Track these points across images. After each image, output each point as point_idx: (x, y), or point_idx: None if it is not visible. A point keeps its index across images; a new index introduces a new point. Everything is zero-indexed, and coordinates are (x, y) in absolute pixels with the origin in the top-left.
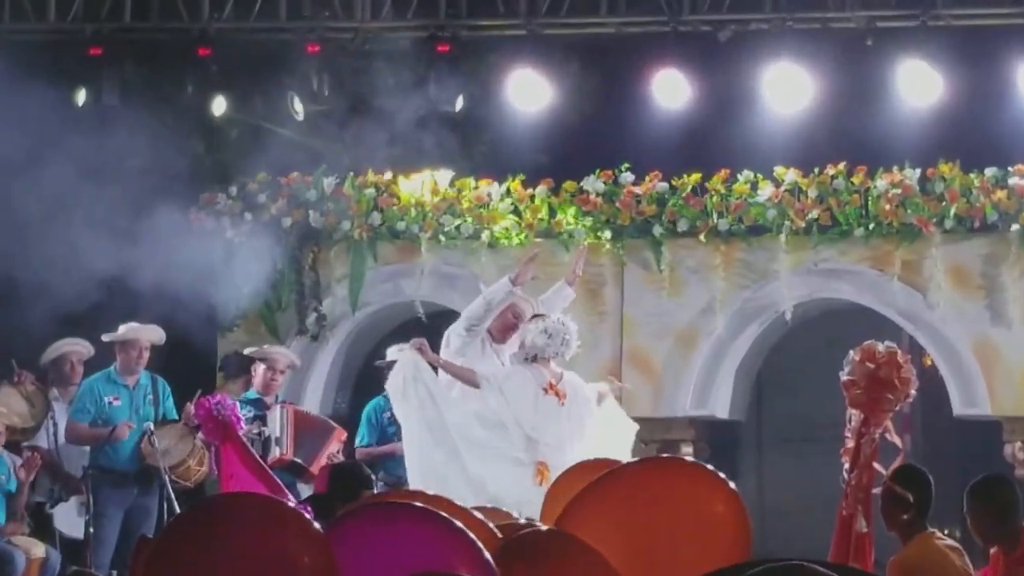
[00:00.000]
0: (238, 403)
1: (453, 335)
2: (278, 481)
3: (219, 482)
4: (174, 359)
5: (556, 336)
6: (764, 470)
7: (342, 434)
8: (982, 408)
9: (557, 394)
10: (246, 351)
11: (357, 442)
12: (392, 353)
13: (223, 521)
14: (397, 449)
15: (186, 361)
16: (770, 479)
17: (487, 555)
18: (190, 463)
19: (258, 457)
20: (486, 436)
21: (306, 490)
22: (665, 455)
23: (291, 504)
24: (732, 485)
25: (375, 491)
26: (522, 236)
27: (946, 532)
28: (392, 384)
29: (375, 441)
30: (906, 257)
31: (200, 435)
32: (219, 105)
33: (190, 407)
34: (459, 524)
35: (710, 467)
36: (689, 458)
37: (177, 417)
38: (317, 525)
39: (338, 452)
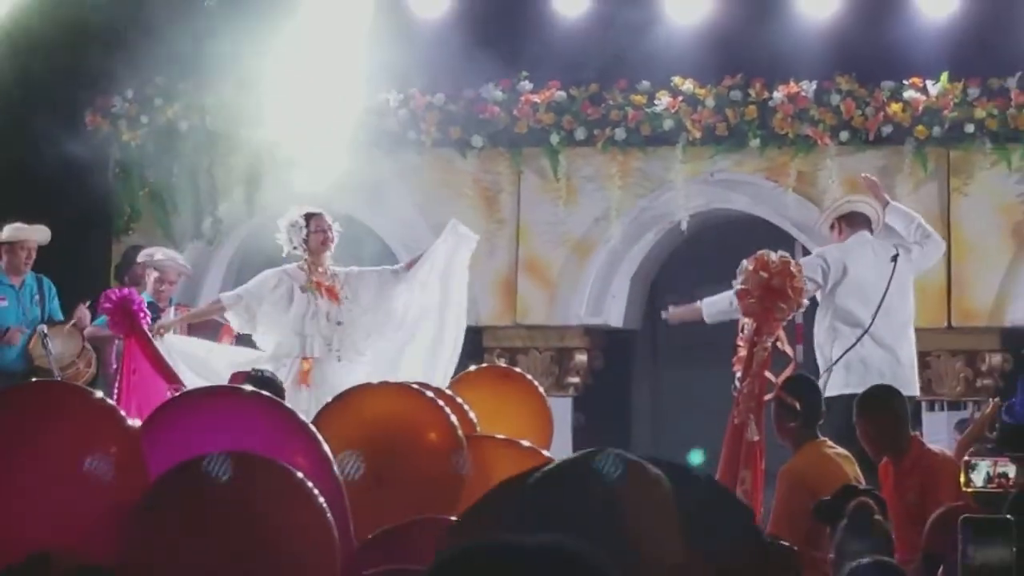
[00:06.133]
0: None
1: None
2: (180, 378)
3: (121, 377)
4: (66, 261)
5: None
6: (659, 379)
7: (231, 329)
8: None
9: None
10: (139, 257)
11: None
12: None
13: (24, 408)
14: None
15: (80, 263)
16: (664, 388)
17: (325, 448)
18: (79, 364)
19: (161, 354)
20: None
21: None
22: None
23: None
24: None
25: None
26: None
27: None
28: None
29: None
30: (801, 168)
31: (87, 335)
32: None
33: (82, 308)
34: (299, 415)
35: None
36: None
37: (63, 318)
38: (124, 414)
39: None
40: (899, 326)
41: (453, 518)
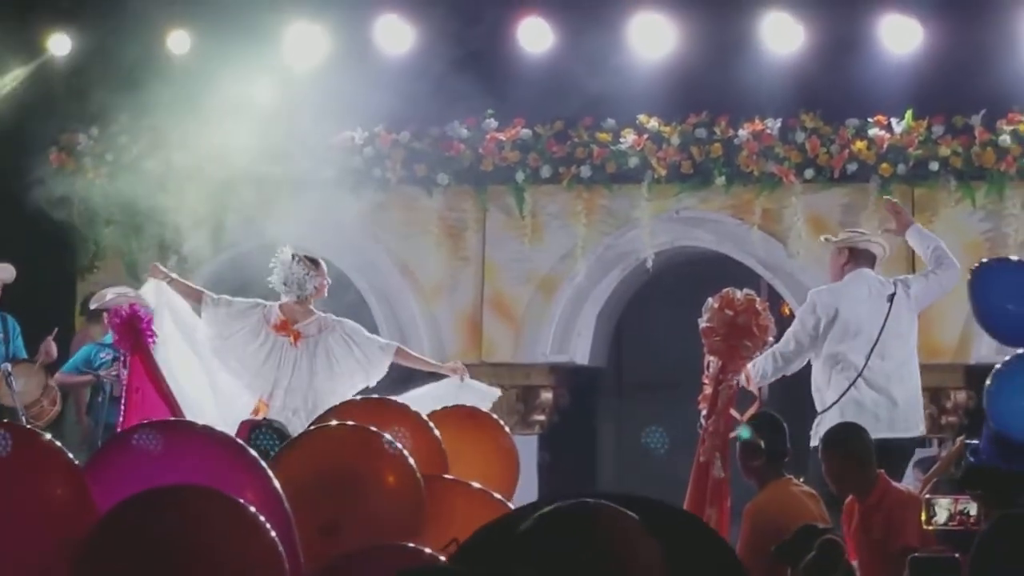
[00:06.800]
0: (102, 345)
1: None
2: (178, 404)
3: (126, 395)
4: (31, 299)
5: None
6: (623, 416)
7: None
8: None
9: (292, 334)
10: (91, 306)
11: None
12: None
13: None
14: None
15: (43, 301)
16: (629, 425)
17: (275, 482)
18: (43, 403)
19: (163, 375)
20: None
21: None
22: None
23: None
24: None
25: None
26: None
27: (802, 479)
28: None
29: None
30: (766, 206)
31: (56, 381)
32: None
33: (49, 341)
34: (250, 451)
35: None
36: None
37: (27, 356)
38: (71, 455)
39: None
40: (895, 367)
41: (405, 544)
